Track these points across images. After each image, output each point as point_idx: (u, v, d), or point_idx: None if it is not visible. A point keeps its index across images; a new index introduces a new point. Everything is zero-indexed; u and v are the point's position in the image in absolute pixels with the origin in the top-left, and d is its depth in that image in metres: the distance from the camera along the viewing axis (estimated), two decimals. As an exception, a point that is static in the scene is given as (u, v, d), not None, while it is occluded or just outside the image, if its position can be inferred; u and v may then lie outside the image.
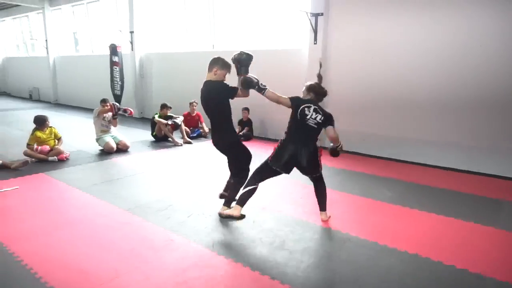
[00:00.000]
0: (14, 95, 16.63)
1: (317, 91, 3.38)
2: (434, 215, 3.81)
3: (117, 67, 10.24)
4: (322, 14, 6.55)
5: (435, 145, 5.82)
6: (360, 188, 4.64)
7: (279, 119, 7.74)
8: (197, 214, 3.71)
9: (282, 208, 3.93)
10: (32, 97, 15.30)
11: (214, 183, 4.69)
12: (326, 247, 3.10)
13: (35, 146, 5.54)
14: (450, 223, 3.63)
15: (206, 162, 5.82)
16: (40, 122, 5.66)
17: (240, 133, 7.33)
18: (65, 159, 5.62)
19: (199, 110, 7.65)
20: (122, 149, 6.26)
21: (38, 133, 5.63)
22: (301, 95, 3.43)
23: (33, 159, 5.43)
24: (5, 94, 17.06)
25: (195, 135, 7.48)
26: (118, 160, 5.82)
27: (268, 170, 3.45)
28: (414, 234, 3.36)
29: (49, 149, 5.60)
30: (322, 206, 3.60)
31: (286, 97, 3.34)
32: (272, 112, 7.71)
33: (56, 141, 5.75)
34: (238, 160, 3.56)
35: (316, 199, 3.62)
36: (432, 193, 4.56)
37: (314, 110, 3.27)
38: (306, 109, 3.26)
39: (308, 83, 3.45)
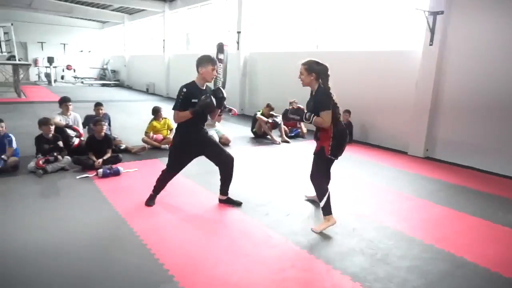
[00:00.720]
0: (134, 89, 18.87)
1: (321, 71, 3.26)
2: None
3: (221, 65, 10.83)
4: (442, 13, 5.96)
5: None
6: (474, 208, 4.11)
7: (382, 124, 7.39)
8: (295, 214, 3.70)
9: (383, 219, 3.68)
10: (148, 91, 17.17)
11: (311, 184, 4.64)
12: (437, 269, 2.79)
13: (151, 134, 6.18)
14: None
15: (303, 162, 5.76)
16: (155, 112, 6.30)
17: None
18: (174, 148, 6.15)
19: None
20: (224, 143, 6.59)
21: (154, 123, 6.26)
22: (313, 85, 3.31)
23: (149, 146, 6.05)
24: (128, 87, 19.46)
25: (293, 134, 7.51)
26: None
27: (325, 170, 3.48)
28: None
29: (162, 138, 6.19)
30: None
31: (326, 113, 3.20)
32: (374, 115, 7.34)
33: (169, 131, 6.32)
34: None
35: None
36: None
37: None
38: (332, 96, 3.28)
39: (306, 61, 3.33)
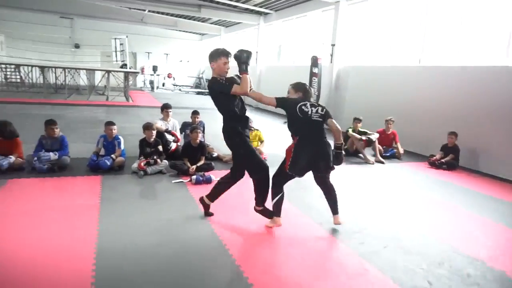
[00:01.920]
0: (225, 97, 19.71)
1: (305, 90, 3.37)
2: None
3: (315, 78, 10.66)
4: None
5: None
6: None
7: (497, 150, 6.39)
8: (393, 246, 3.31)
9: (504, 267, 3.09)
10: (239, 100, 17.77)
11: (410, 213, 4.17)
12: None
13: (242, 145, 6.25)
14: None
15: (400, 187, 5.27)
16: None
17: (443, 160, 6.38)
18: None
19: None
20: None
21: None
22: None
23: (239, 156, 6.12)
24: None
25: (388, 154, 6.96)
26: (309, 168, 5.96)
27: (285, 176, 3.41)
28: None
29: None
30: (335, 208, 3.53)
31: (270, 96, 3.31)
32: (487, 139, 6.42)
33: (259, 143, 6.32)
34: (237, 160, 3.51)
35: None
36: None
37: (311, 105, 3.27)
38: (303, 106, 3.24)
39: (294, 82, 3.47)
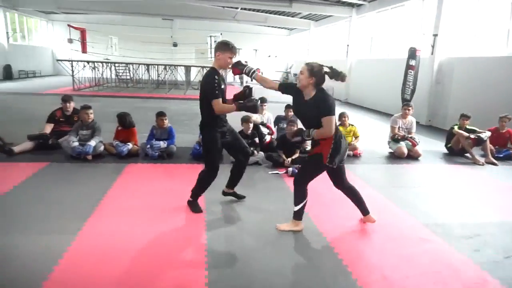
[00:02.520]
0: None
1: (320, 76, 2.96)
2: None
3: (412, 71, 9.94)
4: None
5: None
6: None
7: None
8: (518, 257, 2.96)
9: None
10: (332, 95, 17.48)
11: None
12: None
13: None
14: None
15: (519, 193, 4.67)
16: (338, 116, 6.22)
17: None
18: (358, 155, 5.95)
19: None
20: (413, 156, 5.98)
21: (341, 127, 6.20)
22: (309, 89, 3.00)
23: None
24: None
25: (501, 155, 6.18)
26: (409, 167, 5.61)
27: (311, 174, 3.14)
28: None
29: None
30: (364, 208, 3.33)
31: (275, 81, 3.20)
32: None
33: (354, 138, 6.14)
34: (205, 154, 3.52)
35: None
36: None
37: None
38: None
39: (311, 63, 3.02)
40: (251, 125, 5.39)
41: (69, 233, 2.96)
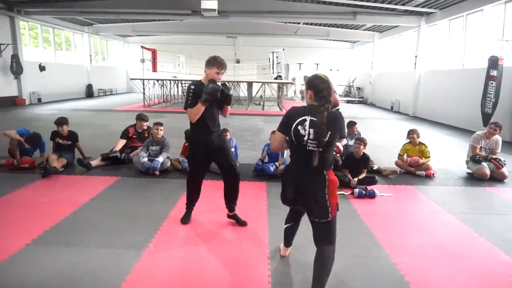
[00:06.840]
0: (378, 106, 18.74)
1: (317, 88, 2.26)
2: None
3: (493, 82, 9.04)
4: None
5: None
6: None
7: None
8: None
9: None
10: (392, 109, 16.60)
11: None
12: None
13: (405, 158, 5.72)
14: None
15: None
16: (407, 134, 5.79)
17: None
18: (432, 176, 5.47)
19: None
20: (497, 178, 5.35)
21: (408, 146, 5.77)
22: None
23: (402, 170, 5.62)
24: (371, 105, 19.55)
25: None
26: (493, 190, 4.99)
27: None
28: None
29: (418, 163, 5.58)
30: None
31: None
32: None
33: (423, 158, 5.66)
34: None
35: None
36: None
37: (311, 123, 2.22)
38: (299, 126, 2.25)
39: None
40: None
41: (137, 248, 3.05)
